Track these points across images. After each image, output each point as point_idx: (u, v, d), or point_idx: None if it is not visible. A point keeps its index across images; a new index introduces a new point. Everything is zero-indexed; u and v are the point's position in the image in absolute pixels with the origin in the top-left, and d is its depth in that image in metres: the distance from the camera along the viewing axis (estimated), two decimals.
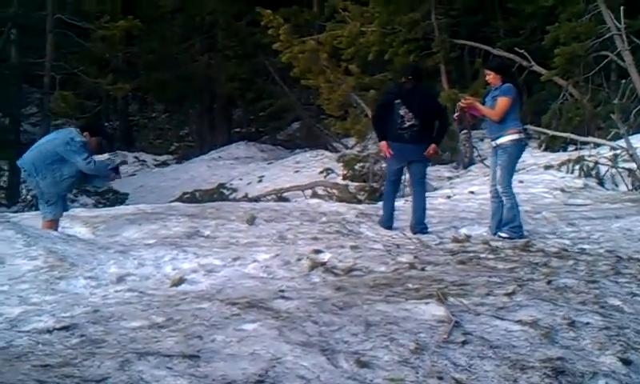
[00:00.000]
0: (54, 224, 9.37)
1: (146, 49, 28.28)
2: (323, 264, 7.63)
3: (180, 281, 6.96)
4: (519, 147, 9.21)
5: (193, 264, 7.61)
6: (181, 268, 7.47)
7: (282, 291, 6.34)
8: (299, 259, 7.77)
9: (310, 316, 5.37)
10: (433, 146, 9.73)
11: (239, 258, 7.85)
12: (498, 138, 9.17)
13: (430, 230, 9.68)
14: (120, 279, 6.99)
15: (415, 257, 7.92)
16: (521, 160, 15.48)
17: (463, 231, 9.57)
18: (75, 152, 9.21)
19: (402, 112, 9.63)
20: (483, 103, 9.45)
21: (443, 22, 20.89)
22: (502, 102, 9.06)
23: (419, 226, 9.71)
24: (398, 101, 9.72)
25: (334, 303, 5.79)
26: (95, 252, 7.86)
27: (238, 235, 9.14)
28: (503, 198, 9.14)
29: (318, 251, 8.04)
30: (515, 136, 9.07)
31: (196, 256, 7.87)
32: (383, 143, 9.96)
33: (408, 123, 9.62)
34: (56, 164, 9.25)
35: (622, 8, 18.08)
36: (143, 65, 29.31)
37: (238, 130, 32.00)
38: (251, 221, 9.82)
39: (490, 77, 9.35)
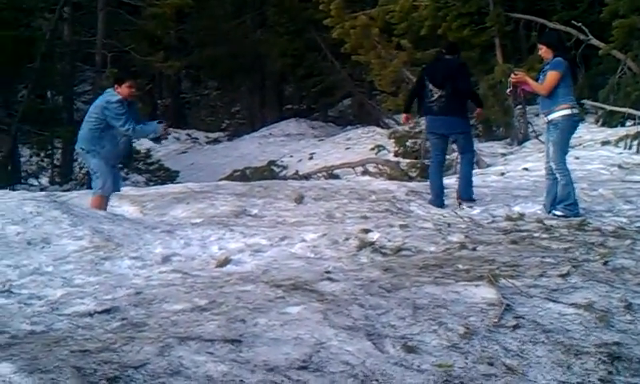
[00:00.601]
0: (102, 201, 9.34)
1: (197, 26, 28.29)
2: (372, 244, 7.47)
3: (226, 261, 6.86)
4: (572, 123, 8.92)
5: (239, 244, 7.51)
6: (227, 248, 7.38)
7: (329, 272, 6.18)
8: (347, 239, 7.62)
9: (355, 299, 5.20)
10: (478, 110, 10.45)
11: (286, 237, 7.73)
12: (549, 113, 8.92)
13: (482, 207, 9.47)
14: (165, 259, 6.91)
15: (466, 236, 7.71)
16: (577, 136, 15.19)
17: (516, 209, 9.32)
18: (113, 117, 9.21)
19: (430, 86, 9.96)
20: (537, 78, 9.21)
21: None
22: (551, 76, 8.81)
23: (464, 195, 9.88)
24: (426, 76, 10.09)
25: (381, 285, 5.62)
26: (141, 232, 7.80)
27: (286, 214, 9.03)
28: (557, 175, 8.88)
29: (366, 230, 7.88)
30: (567, 111, 8.78)
31: (243, 235, 7.77)
32: (403, 115, 10.86)
33: (436, 96, 9.87)
34: (104, 132, 9.29)
35: None
36: (195, 42, 29.32)
37: (289, 106, 31.88)
38: (299, 199, 9.70)
39: (542, 51, 9.13)
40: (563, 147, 8.94)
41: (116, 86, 9.35)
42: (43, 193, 10.52)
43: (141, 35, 21.35)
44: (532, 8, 22.64)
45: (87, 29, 21.57)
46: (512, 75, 9.44)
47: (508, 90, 9.61)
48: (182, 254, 7.11)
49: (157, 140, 8.51)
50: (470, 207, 9.66)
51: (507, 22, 20.51)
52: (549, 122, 9.01)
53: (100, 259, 6.77)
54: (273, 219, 8.79)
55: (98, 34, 20.29)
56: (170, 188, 10.77)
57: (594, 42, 19.19)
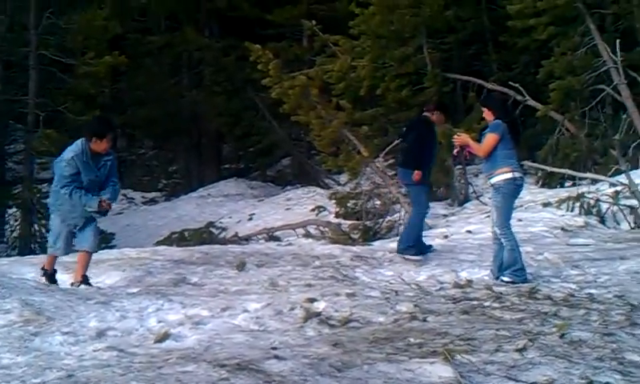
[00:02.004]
0: (51, 260, 8.90)
1: (132, 85, 27.93)
2: (318, 314, 7.20)
3: (164, 336, 6.50)
4: (513, 186, 8.78)
5: (179, 315, 7.17)
6: (166, 320, 7.03)
7: (275, 349, 5.88)
8: (292, 308, 7.35)
9: (305, 380, 4.92)
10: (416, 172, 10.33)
11: (228, 307, 7.41)
12: (491, 176, 8.86)
13: (428, 272, 9.27)
14: (100, 334, 6.54)
15: (415, 305, 7.47)
16: (518, 197, 15.22)
17: (464, 274, 9.13)
18: (56, 176, 8.66)
19: None
20: (479, 140, 9.12)
21: (435, 56, 20.59)
22: (488, 138, 8.79)
23: (399, 247, 10.46)
24: None
25: (331, 363, 5.33)
26: (75, 303, 7.41)
27: (227, 282, 8.70)
28: (502, 240, 8.73)
29: (312, 300, 7.61)
30: (508, 175, 8.68)
31: (182, 306, 7.43)
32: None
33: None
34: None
35: (617, 41, 17.83)
36: (130, 101, 28.93)
37: (227, 166, 31.56)
38: (241, 266, 9.39)
39: (485, 113, 9.09)
40: (506, 212, 8.82)
41: (94, 139, 8.48)
42: None
43: (75, 94, 20.86)
44: (469, 68, 22.85)
45: (19, 87, 21.01)
46: (455, 136, 9.35)
47: (455, 151, 9.51)
48: (118, 328, 6.74)
49: (99, 213, 7.97)
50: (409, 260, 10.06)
51: (445, 83, 20.60)
52: (491, 186, 8.92)
53: (29, 335, 6.37)
54: (214, 288, 8.45)
55: (30, 93, 19.78)
56: (105, 253, 10.35)
57: (532, 102, 19.34)
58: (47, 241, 9.11)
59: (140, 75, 28.13)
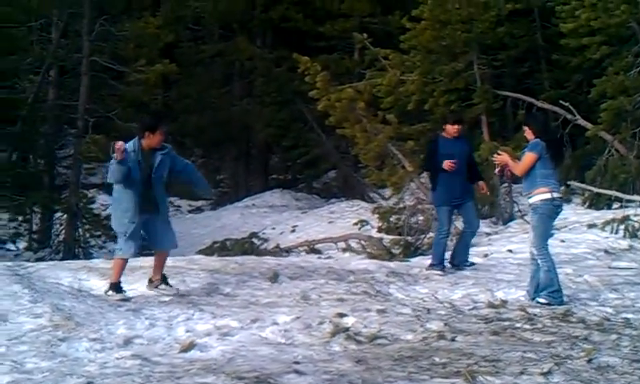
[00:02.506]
0: (121, 264, 8.67)
1: (184, 93, 28.14)
2: (346, 330, 7.16)
3: (190, 346, 6.52)
4: (551, 207, 8.66)
5: (208, 325, 7.20)
6: (194, 330, 7.06)
7: (297, 363, 5.85)
8: (321, 323, 7.32)
9: None
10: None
11: (258, 319, 7.42)
12: (529, 196, 8.77)
13: (464, 291, 9.17)
14: (127, 342, 6.58)
15: (446, 324, 7.39)
16: (563, 217, 14.96)
17: (499, 295, 8.99)
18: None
19: None
20: (519, 158, 9.07)
21: (486, 73, 20.40)
22: (526, 157, 8.72)
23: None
24: None
25: (350, 380, 5.29)
26: (105, 310, 7.48)
27: (260, 294, 8.68)
28: (539, 261, 8.60)
29: (341, 315, 7.58)
30: (547, 195, 8.56)
31: (212, 316, 7.46)
32: None
33: None
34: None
35: None
36: (181, 109, 29.13)
37: (274, 176, 31.61)
38: (274, 278, 9.35)
39: (526, 132, 9.02)
40: (543, 232, 8.70)
41: (147, 134, 8.47)
42: (7, 264, 10.08)
43: (125, 101, 21.11)
44: (520, 86, 22.61)
45: (71, 93, 21.31)
46: (495, 155, 9.28)
47: (497, 170, 9.46)
48: (145, 336, 6.77)
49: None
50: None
51: (495, 99, 20.40)
52: (530, 206, 8.83)
53: (57, 340, 6.43)
54: (246, 299, 8.43)
55: (81, 99, 20.03)
56: (141, 261, 10.41)
57: (582, 122, 19.07)
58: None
59: (191, 83, 28.33)
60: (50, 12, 21.12)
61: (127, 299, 8.24)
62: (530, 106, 19.96)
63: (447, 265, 10.78)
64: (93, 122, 19.72)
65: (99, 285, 8.96)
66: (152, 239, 9.02)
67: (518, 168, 8.74)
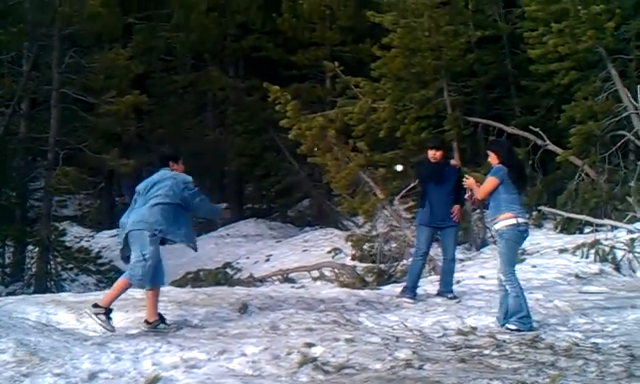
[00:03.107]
0: (153, 295, 8.45)
1: (156, 124, 28.06)
2: (314, 360, 7.12)
3: (155, 379, 6.46)
4: (516, 233, 8.66)
5: (175, 358, 7.12)
6: (161, 363, 6.98)
7: None
8: (289, 353, 7.27)
9: None
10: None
11: (226, 351, 7.36)
12: (494, 222, 8.80)
13: (434, 318, 9.16)
14: (91, 376, 6.51)
15: (414, 352, 7.36)
16: (534, 242, 15.07)
17: (469, 322, 8.99)
18: (193, 196, 8.78)
19: None
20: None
21: (456, 99, 20.53)
22: (487, 182, 8.83)
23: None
24: None
25: None
26: (71, 344, 7.39)
27: (228, 325, 8.62)
28: (507, 287, 8.60)
29: (310, 344, 7.53)
30: (511, 221, 8.58)
31: (180, 348, 7.38)
32: None
33: None
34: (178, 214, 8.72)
35: (638, 87, 17.72)
36: (153, 140, 29.05)
37: (249, 206, 31.56)
38: (243, 309, 9.30)
39: (490, 157, 9.04)
40: (510, 258, 8.72)
41: (171, 163, 8.84)
42: None
43: (95, 132, 21.07)
44: (490, 112, 22.77)
45: (42, 125, 21.23)
46: (464, 179, 9.34)
47: (467, 195, 9.53)
48: (111, 371, 6.69)
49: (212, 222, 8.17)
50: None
51: (465, 126, 20.52)
52: (496, 232, 8.86)
53: (20, 376, 6.36)
54: (214, 330, 8.36)
55: (51, 131, 19.93)
56: None
57: (552, 147, 19.23)
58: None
59: (164, 114, 28.24)
60: (21, 45, 21.06)
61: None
62: (501, 131, 20.08)
63: (420, 292, 10.78)
64: (64, 154, 19.66)
65: (67, 318, 8.87)
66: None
67: (480, 192, 8.79)
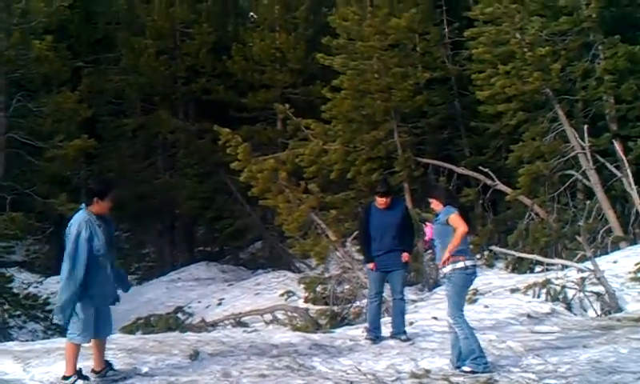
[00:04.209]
0: (98, 344, 8.06)
1: (105, 167, 27.74)
2: None
3: None
4: (464, 276, 8.63)
5: None
6: None
7: None
8: None
9: None
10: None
11: None
12: (443, 266, 8.67)
13: (388, 361, 9.07)
14: None
15: None
16: (487, 282, 15.10)
17: (423, 364, 8.92)
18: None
19: None
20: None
21: (406, 140, 20.71)
22: (456, 217, 8.60)
23: None
24: None
25: None
26: None
27: (179, 372, 8.44)
28: (456, 330, 8.55)
29: None
30: (459, 264, 8.53)
31: None
32: None
33: None
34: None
35: (585, 127, 18.04)
36: None
37: (200, 248, 31.30)
38: (194, 356, 9.13)
39: (433, 204, 9.05)
40: (458, 301, 8.67)
41: (96, 199, 7.87)
42: None
43: (45, 176, 20.78)
44: (440, 153, 22.95)
45: None
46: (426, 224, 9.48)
47: (427, 238, 9.61)
48: None
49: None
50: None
51: (416, 167, 20.65)
52: (444, 275, 8.81)
53: None
54: (164, 378, 8.18)
55: None
56: (57, 342, 10.09)
57: (501, 187, 19.43)
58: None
59: (113, 157, 27.92)
60: None
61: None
62: (451, 172, 20.24)
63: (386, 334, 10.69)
64: (11, 198, 19.31)
65: (13, 369, 8.62)
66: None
67: (460, 228, 8.54)
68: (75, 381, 7.76)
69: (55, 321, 8.76)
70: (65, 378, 7.85)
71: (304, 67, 26.26)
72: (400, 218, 10.68)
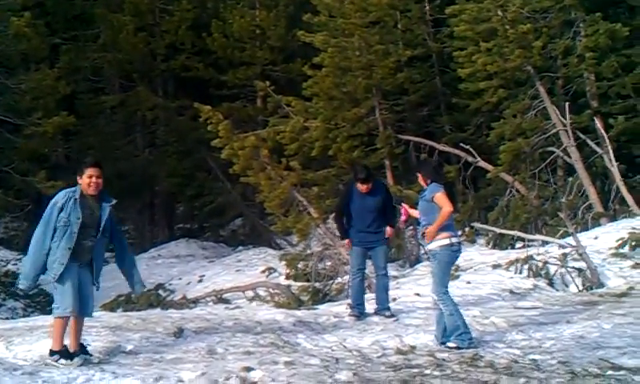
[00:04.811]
0: (62, 323, 7.79)
1: (85, 145, 27.50)
2: None
3: None
4: (449, 253, 8.68)
5: None
6: None
7: None
8: (227, 378, 7.15)
9: None
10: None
11: (162, 377, 7.21)
12: (428, 242, 8.68)
13: (372, 338, 9.09)
14: None
15: (355, 374, 7.30)
16: (468, 258, 15.15)
17: (408, 340, 8.95)
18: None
19: None
20: (416, 204, 9.32)
21: (388, 118, 20.68)
22: (440, 196, 8.66)
23: None
24: None
25: None
26: (0, 374, 7.10)
27: (163, 350, 8.42)
28: (441, 306, 8.57)
29: (248, 368, 7.41)
30: (445, 241, 8.57)
31: (114, 376, 7.21)
32: None
33: None
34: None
35: (566, 104, 18.10)
36: (82, 161, 28.51)
37: (180, 226, 31.17)
38: (178, 333, 9.10)
39: (419, 178, 9.14)
40: (442, 278, 8.71)
41: (77, 177, 7.99)
42: None
43: (22, 154, 20.56)
44: (421, 130, 22.95)
45: None
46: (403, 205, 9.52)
47: (403, 218, 9.67)
48: None
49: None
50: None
51: (397, 144, 20.63)
52: (429, 251, 8.82)
53: None
54: (149, 356, 8.15)
55: None
56: (40, 320, 10.03)
57: (483, 164, 19.45)
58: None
59: (93, 135, 27.70)
60: None
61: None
62: (432, 149, 20.25)
63: (370, 311, 10.70)
64: None
65: None
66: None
67: (446, 207, 8.57)
68: (58, 359, 7.67)
69: (19, 286, 8.64)
70: (51, 352, 7.77)
71: (284, 44, 26.11)
72: (381, 201, 10.72)
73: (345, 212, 10.83)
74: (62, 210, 7.83)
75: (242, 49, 26.39)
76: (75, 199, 7.85)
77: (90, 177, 7.98)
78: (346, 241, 10.88)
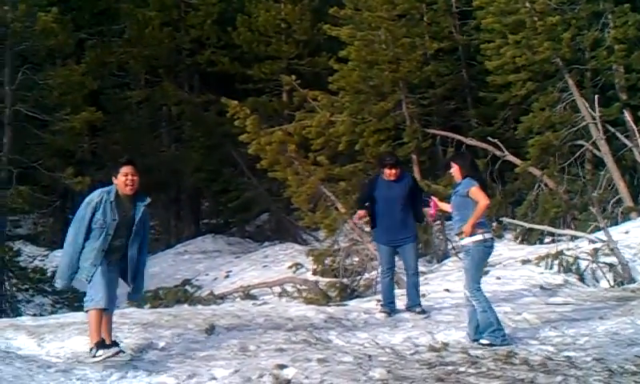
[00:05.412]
0: (96, 315, 7.58)
1: (111, 140, 27.57)
2: (287, 382, 6.95)
3: None
4: (483, 249, 8.58)
5: None
6: None
7: None
8: (261, 376, 7.11)
9: None
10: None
11: (195, 374, 7.18)
12: (461, 238, 8.59)
13: (404, 335, 9.01)
14: None
15: (389, 371, 7.23)
16: (497, 253, 15.01)
17: (440, 337, 8.86)
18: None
19: None
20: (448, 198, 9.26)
21: (414, 112, 20.57)
22: (477, 191, 8.56)
23: None
24: None
25: None
26: (34, 372, 7.14)
27: (195, 347, 8.39)
28: (473, 303, 8.49)
29: (281, 366, 7.38)
30: (478, 237, 8.46)
31: (147, 373, 7.19)
32: None
33: None
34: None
35: (596, 96, 17.92)
36: (108, 156, 28.58)
37: (206, 221, 31.23)
38: (210, 330, 9.08)
39: (454, 170, 8.98)
40: (475, 274, 8.61)
41: (113, 178, 7.88)
42: None
43: (50, 150, 20.64)
44: (448, 124, 22.83)
45: None
46: (432, 197, 9.42)
47: (431, 212, 9.58)
48: None
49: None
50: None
51: (424, 138, 20.52)
52: (462, 247, 8.73)
53: None
54: (181, 353, 8.13)
55: (4, 149, 19.44)
56: (71, 317, 10.04)
57: (511, 158, 19.31)
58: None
59: (119, 130, 27.78)
60: None
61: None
62: (460, 143, 20.13)
63: (400, 307, 10.61)
64: (17, 172, 19.18)
65: (27, 344, 8.55)
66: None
67: (482, 202, 8.48)
68: (95, 352, 7.56)
69: (55, 285, 8.57)
70: (91, 349, 7.66)
71: (310, 38, 26.05)
72: (407, 189, 10.53)
73: (369, 201, 10.56)
74: (95, 209, 7.69)
75: (268, 43, 26.37)
76: (111, 201, 7.75)
77: (126, 175, 7.86)
78: (361, 211, 10.62)
